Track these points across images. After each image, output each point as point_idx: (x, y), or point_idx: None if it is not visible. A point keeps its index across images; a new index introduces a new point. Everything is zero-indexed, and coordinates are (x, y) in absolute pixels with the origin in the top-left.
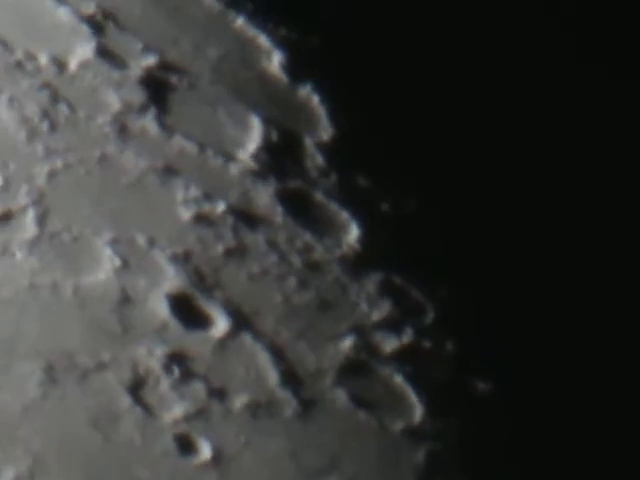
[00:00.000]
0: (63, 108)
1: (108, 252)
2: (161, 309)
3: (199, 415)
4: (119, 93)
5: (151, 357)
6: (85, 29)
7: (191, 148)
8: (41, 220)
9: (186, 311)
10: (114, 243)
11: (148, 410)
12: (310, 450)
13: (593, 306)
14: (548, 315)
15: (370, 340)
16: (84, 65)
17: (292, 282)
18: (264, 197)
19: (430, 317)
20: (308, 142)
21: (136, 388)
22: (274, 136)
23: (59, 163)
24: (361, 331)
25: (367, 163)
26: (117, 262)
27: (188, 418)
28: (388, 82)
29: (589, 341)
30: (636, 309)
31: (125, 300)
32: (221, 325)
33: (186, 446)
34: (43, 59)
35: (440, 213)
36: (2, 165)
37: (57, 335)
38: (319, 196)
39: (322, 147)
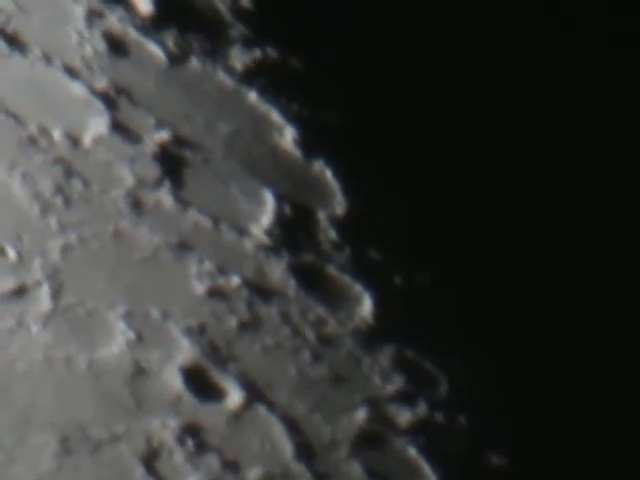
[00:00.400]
0: (77, 183)
1: (122, 326)
2: (175, 381)
3: None
4: (133, 168)
5: (165, 429)
6: (98, 104)
7: (205, 222)
8: (55, 294)
9: (200, 383)
10: (128, 317)
11: None
12: None
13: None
14: (563, 389)
15: (384, 413)
16: (98, 140)
17: (306, 355)
18: (278, 271)
19: (443, 390)
20: (321, 216)
21: (150, 460)
22: (287, 211)
23: (73, 237)
24: (375, 404)
25: (380, 237)
26: (131, 335)
27: None
28: (401, 154)
29: (604, 406)
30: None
31: (139, 373)
32: (235, 397)
33: None
34: (56, 134)
35: (452, 286)
36: (16, 239)
37: (71, 407)
38: (332, 270)
39: (335, 221)
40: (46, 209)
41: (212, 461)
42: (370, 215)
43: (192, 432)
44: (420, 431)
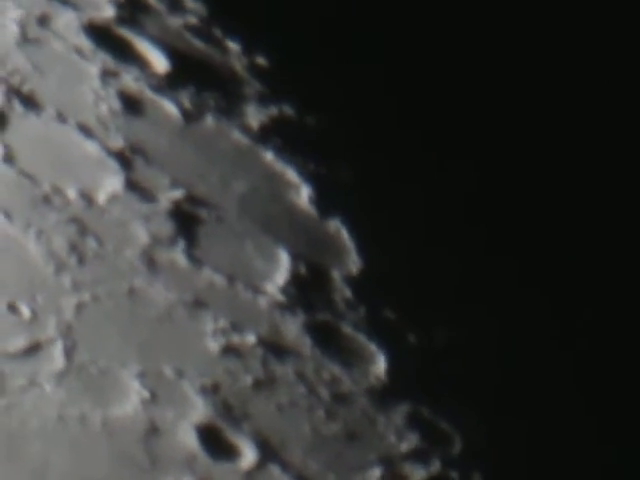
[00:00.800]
0: (91, 241)
1: (136, 384)
2: (189, 440)
3: None
4: (147, 226)
5: None
6: (113, 163)
7: (220, 281)
8: (69, 352)
9: (214, 442)
10: (142, 375)
11: None
12: None
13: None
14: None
15: (398, 471)
16: (112, 199)
17: (320, 413)
18: (292, 329)
19: (457, 448)
20: (336, 275)
21: None
22: (302, 269)
23: (87, 296)
24: (389, 462)
25: (395, 296)
26: (145, 394)
27: None
28: (416, 214)
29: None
30: None
31: (153, 431)
32: (249, 456)
33: None
34: (71, 193)
35: (467, 344)
36: (30, 298)
37: (86, 466)
38: (347, 328)
39: (350, 280)
40: (60, 267)
41: None
42: (385, 274)
43: None
44: None
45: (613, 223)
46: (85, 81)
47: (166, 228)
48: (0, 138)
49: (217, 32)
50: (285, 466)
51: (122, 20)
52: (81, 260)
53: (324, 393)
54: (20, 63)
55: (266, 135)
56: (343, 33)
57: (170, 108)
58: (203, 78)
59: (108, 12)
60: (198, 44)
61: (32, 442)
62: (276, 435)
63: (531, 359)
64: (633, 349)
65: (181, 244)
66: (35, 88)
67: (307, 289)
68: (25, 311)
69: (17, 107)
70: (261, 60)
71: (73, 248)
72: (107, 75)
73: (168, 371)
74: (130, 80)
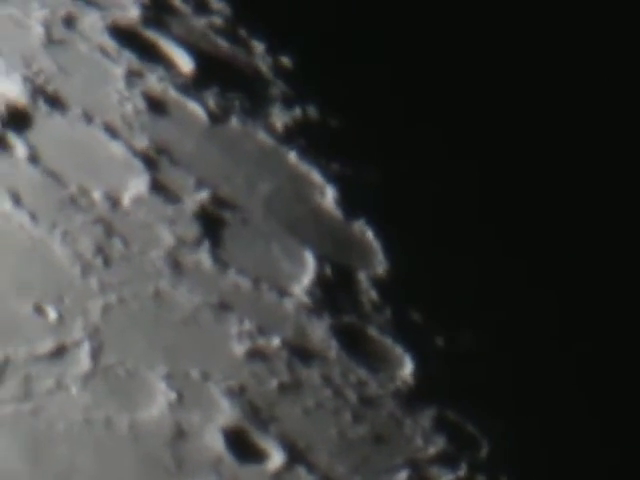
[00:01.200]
0: (117, 243)
1: (162, 387)
2: (216, 443)
3: None
4: (173, 228)
5: None
6: (138, 164)
7: (245, 283)
8: (95, 354)
9: (241, 445)
10: (168, 377)
11: None
12: None
13: None
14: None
15: (425, 474)
16: (138, 200)
17: (347, 416)
18: (318, 332)
19: (485, 451)
20: (362, 277)
21: None
22: (328, 271)
23: (113, 298)
24: (416, 465)
25: (421, 298)
26: (171, 396)
27: None
28: (443, 214)
29: None
30: None
31: (180, 434)
32: (276, 459)
33: None
34: (97, 194)
35: (494, 347)
36: (57, 299)
37: (112, 470)
38: (373, 331)
39: (376, 282)
40: (86, 269)
41: None
42: (411, 276)
43: None
44: None
45: (632, 225)
46: (110, 82)
47: (191, 230)
48: (25, 138)
49: (242, 32)
50: (312, 469)
51: (147, 21)
52: (107, 262)
53: (351, 396)
54: (45, 64)
55: (291, 136)
56: (368, 34)
57: (195, 109)
58: (228, 79)
59: (133, 13)
60: (223, 45)
61: (58, 445)
62: (303, 438)
63: (551, 361)
64: None
65: (206, 246)
66: (60, 89)
67: (333, 291)
68: (51, 313)
69: (42, 107)
70: (285, 60)
71: (99, 250)
72: (132, 76)
73: (194, 374)
74: (155, 81)
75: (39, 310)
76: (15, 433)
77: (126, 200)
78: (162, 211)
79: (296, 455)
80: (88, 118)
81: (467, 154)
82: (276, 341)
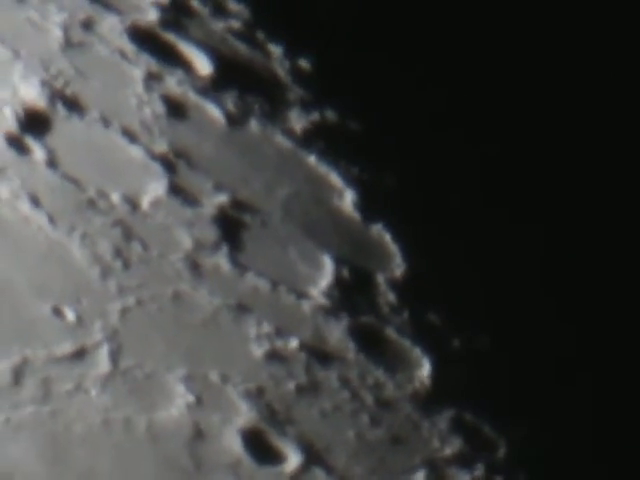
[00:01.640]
0: (136, 246)
1: (181, 388)
2: (234, 445)
3: None
4: (191, 231)
5: None
6: (157, 167)
7: (263, 285)
8: (114, 356)
9: (259, 447)
10: (187, 379)
11: None
12: None
13: None
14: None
15: (442, 475)
16: (156, 203)
17: (364, 418)
18: (336, 334)
19: (501, 453)
20: (380, 279)
21: None
22: (346, 273)
23: (132, 300)
24: (433, 466)
25: (439, 300)
26: (190, 398)
27: None
28: (460, 218)
29: None
30: None
31: (198, 436)
32: (293, 460)
33: None
34: (115, 197)
35: (510, 349)
36: (76, 302)
37: (130, 471)
38: (391, 333)
39: (394, 284)
40: (105, 272)
41: None
42: (428, 278)
43: None
44: None
45: None
46: (129, 85)
47: (210, 233)
48: (44, 142)
49: (260, 36)
50: (329, 470)
51: (166, 23)
52: (126, 264)
53: (368, 398)
54: (64, 67)
55: (309, 139)
56: (387, 36)
57: (214, 112)
58: (246, 82)
59: (152, 16)
60: (241, 48)
61: (77, 447)
62: (320, 440)
63: (569, 364)
64: None
65: (225, 248)
66: (79, 92)
67: (351, 293)
68: (70, 315)
69: (61, 111)
70: (304, 64)
71: (118, 252)
72: (151, 79)
73: (213, 375)
74: (174, 84)
75: (58, 312)
76: (34, 435)
77: (145, 203)
78: (181, 214)
79: (314, 457)
80: (106, 121)
81: (483, 154)
82: (294, 343)
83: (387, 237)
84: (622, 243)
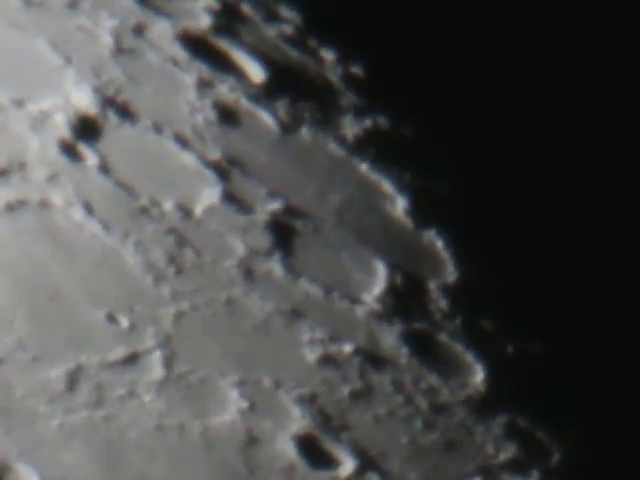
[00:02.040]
0: (189, 252)
1: (234, 394)
2: (288, 450)
3: None
4: (244, 238)
5: None
6: (210, 175)
7: (316, 291)
8: (168, 362)
9: (313, 452)
10: (240, 385)
11: None
12: None
13: None
14: None
15: None
16: (210, 210)
17: (418, 423)
18: (390, 339)
19: (556, 459)
20: (432, 286)
21: None
22: (398, 280)
23: (185, 306)
24: (487, 472)
25: (491, 306)
26: (243, 404)
27: None
28: (513, 226)
29: None
30: None
31: (252, 441)
32: (348, 466)
33: None
34: (168, 205)
35: (563, 355)
36: (129, 308)
37: (184, 476)
38: (444, 338)
39: (446, 290)
40: (159, 278)
41: None
42: (481, 284)
43: None
44: None
45: None
46: (181, 91)
47: (263, 239)
48: (96, 149)
49: (312, 42)
50: (384, 475)
51: (218, 30)
52: (179, 271)
53: (422, 403)
54: (115, 73)
55: (362, 146)
56: (441, 44)
57: (266, 119)
58: (299, 89)
59: (204, 22)
60: (294, 54)
61: (131, 452)
62: (375, 445)
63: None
64: None
65: (278, 255)
66: (130, 99)
67: (404, 299)
68: (124, 321)
69: (112, 118)
70: (356, 70)
71: (171, 259)
72: (203, 85)
73: (266, 381)
74: (226, 90)
75: (111, 318)
76: (88, 440)
77: (198, 210)
78: (234, 221)
79: (368, 462)
80: (159, 128)
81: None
82: (348, 348)
83: (439, 244)
84: None
